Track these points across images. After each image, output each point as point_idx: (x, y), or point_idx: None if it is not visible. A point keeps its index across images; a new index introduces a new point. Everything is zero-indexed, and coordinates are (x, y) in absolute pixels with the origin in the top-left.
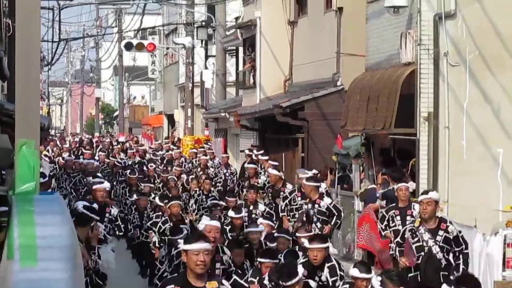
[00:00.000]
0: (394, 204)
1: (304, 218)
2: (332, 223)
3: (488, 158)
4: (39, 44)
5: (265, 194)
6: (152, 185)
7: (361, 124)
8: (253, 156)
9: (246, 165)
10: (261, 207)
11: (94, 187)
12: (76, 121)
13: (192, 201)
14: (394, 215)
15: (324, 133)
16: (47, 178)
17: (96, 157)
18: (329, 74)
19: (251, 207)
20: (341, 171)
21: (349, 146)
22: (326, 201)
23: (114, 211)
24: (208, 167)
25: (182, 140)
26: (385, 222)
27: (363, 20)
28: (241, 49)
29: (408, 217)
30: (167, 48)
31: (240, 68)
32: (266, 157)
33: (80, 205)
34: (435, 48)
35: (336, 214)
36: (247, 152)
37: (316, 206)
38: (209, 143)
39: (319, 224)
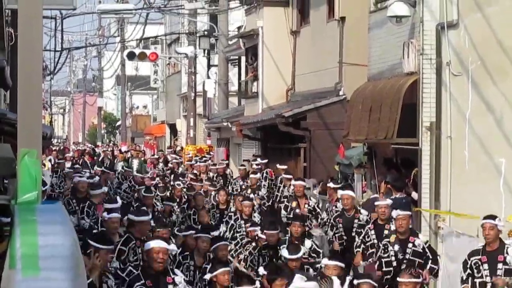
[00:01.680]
0: (481, 246)
1: (394, 263)
2: (428, 267)
3: (491, 167)
4: (41, 53)
5: (312, 222)
6: (173, 204)
7: (363, 133)
8: (254, 166)
9: (293, 182)
10: (308, 243)
11: (139, 219)
12: (78, 131)
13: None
14: (480, 263)
15: (327, 143)
16: (47, 186)
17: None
18: (332, 83)
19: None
20: (343, 181)
21: (351, 156)
22: (423, 238)
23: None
24: (259, 188)
25: (184, 149)
26: (468, 271)
27: (366, 29)
28: (243, 59)
29: (500, 265)
30: (170, 58)
31: (243, 77)
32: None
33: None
34: (437, 58)
35: (432, 257)
36: (253, 163)
37: (410, 245)
38: (211, 153)
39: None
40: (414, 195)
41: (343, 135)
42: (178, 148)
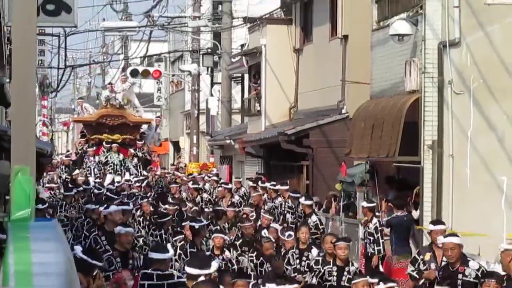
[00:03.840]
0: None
1: None
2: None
3: (492, 186)
4: (34, 70)
5: None
6: (226, 238)
7: (365, 151)
8: (259, 187)
9: (432, 227)
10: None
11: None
12: None
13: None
14: None
15: (329, 161)
16: (46, 205)
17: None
18: (334, 101)
19: None
20: (346, 199)
21: (353, 174)
22: (473, 265)
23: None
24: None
25: (187, 166)
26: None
27: (368, 48)
28: (246, 76)
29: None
30: (173, 75)
31: (246, 95)
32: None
33: (78, 250)
34: (439, 76)
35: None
36: (250, 183)
37: (460, 276)
38: (214, 170)
39: None
40: (415, 213)
41: (345, 153)
42: (181, 165)
